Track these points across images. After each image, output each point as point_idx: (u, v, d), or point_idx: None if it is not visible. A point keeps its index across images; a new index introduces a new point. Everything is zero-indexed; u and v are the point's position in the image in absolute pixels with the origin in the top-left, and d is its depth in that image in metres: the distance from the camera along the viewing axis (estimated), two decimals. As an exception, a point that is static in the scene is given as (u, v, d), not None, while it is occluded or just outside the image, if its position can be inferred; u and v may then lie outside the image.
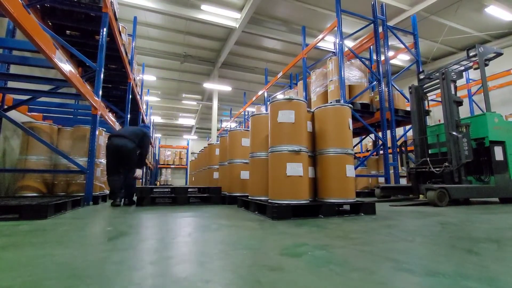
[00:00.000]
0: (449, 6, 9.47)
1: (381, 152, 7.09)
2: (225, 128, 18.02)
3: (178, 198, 3.98)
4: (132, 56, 6.68)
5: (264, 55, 13.60)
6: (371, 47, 7.35)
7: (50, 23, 4.67)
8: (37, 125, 3.91)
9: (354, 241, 1.55)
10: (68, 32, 4.97)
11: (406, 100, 6.44)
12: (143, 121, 9.29)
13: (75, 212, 2.89)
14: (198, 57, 13.82)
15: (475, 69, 4.37)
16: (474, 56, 4.35)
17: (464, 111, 6.88)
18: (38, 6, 4.21)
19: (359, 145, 10.70)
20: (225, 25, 10.47)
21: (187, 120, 24.63)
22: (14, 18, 1.74)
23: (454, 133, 4.03)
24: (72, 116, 5.60)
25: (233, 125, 17.48)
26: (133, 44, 7.00)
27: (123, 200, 3.88)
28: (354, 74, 5.91)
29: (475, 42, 10.86)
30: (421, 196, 4.68)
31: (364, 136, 8.28)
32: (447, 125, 4.21)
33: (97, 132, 3.74)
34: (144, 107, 10.47)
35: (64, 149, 3.96)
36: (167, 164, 19.53)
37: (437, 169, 4.19)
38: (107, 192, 4.34)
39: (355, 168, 5.06)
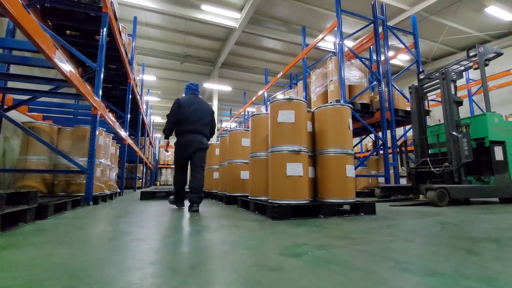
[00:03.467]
0: (449, 6, 9.47)
1: (381, 152, 7.08)
2: (225, 128, 18.02)
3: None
4: (132, 56, 6.68)
5: (264, 55, 13.60)
6: (371, 47, 7.35)
7: (50, 23, 4.67)
8: (37, 125, 3.91)
9: (354, 241, 1.55)
10: (68, 32, 4.98)
11: (406, 100, 6.44)
12: (143, 121, 9.27)
13: (75, 212, 2.89)
14: (198, 57, 13.82)
15: (475, 69, 4.37)
16: (474, 56, 4.35)
17: (464, 111, 6.88)
18: (38, 6, 4.21)
19: (359, 145, 10.70)
20: (225, 25, 10.47)
21: (187, 120, 24.56)
22: (14, 18, 1.74)
23: (454, 133, 4.03)
24: (72, 116, 5.60)
25: (233, 125, 17.47)
26: (133, 44, 7.00)
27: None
28: (354, 74, 5.91)
29: (475, 42, 10.86)
30: (421, 196, 4.68)
31: (364, 136, 8.28)
32: (447, 125, 4.21)
33: (97, 132, 3.74)
34: (144, 107, 10.47)
35: (64, 149, 3.96)
36: (167, 164, 19.51)
37: (437, 169, 4.19)
38: (108, 192, 4.34)
39: (355, 168, 5.06)
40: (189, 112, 3.30)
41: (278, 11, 10.30)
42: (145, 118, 10.37)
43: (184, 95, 3.55)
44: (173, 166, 3.33)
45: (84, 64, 5.62)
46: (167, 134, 3.42)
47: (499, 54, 4.45)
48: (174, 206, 3.56)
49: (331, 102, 5.82)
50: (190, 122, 3.29)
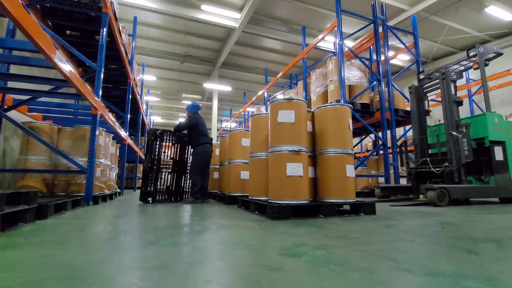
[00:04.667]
0: (449, 6, 9.47)
1: (381, 152, 7.08)
2: (225, 128, 18.02)
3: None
4: (132, 56, 6.68)
5: (264, 55, 13.60)
6: (371, 47, 7.35)
7: (50, 23, 4.67)
8: (37, 125, 3.91)
9: (354, 241, 1.55)
10: (68, 32, 4.97)
11: (406, 100, 6.44)
12: (143, 121, 9.28)
13: (75, 212, 2.89)
14: (198, 57, 13.82)
15: (475, 69, 4.37)
16: (474, 56, 4.35)
17: (464, 111, 6.87)
18: (38, 6, 4.21)
19: (359, 145, 10.69)
20: (225, 25, 10.48)
21: (187, 120, 24.56)
22: (14, 18, 1.74)
23: (454, 133, 4.03)
24: (72, 116, 5.60)
25: (233, 125, 17.47)
26: (133, 44, 7.00)
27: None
28: (354, 74, 5.91)
29: (475, 42, 10.84)
30: (421, 196, 4.67)
31: (364, 136, 8.28)
32: (447, 125, 4.21)
33: (97, 132, 3.74)
34: (144, 107, 10.47)
35: (64, 149, 3.96)
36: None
37: (437, 169, 4.19)
38: (107, 192, 4.34)
39: (355, 168, 5.06)
40: (204, 125, 4.28)
41: (278, 11, 10.30)
42: (145, 118, 10.38)
43: (189, 111, 4.47)
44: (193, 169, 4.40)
45: (84, 64, 5.62)
46: (178, 131, 4.45)
47: (499, 54, 4.44)
48: (197, 203, 4.16)
49: (331, 102, 5.82)
50: (206, 135, 4.35)
